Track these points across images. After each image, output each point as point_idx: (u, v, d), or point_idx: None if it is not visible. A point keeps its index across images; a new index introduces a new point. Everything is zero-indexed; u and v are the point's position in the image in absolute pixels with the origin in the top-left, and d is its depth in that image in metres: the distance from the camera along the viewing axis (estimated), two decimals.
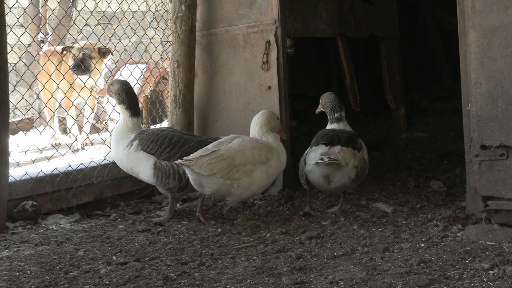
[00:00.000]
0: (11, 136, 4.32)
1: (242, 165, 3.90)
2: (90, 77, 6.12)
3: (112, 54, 6.39)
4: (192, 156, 3.90)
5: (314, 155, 4.13)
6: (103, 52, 6.34)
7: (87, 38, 6.11)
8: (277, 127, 4.21)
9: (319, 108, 4.59)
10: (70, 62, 6.13)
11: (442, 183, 4.83)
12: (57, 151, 5.18)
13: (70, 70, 6.01)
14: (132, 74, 6.25)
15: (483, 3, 3.70)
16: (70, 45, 6.36)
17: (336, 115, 4.45)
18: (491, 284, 2.81)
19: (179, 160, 3.88)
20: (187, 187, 4.21)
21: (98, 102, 6.98)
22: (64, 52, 6.20)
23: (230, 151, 3.92)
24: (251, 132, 4.16)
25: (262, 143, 4.06)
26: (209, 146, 4.00)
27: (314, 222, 4.06)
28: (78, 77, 6.06)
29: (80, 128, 6.56)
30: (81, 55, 6.13)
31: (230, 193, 3.94)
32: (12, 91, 4.24)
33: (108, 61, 6.49)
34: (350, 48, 6.68)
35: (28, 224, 4.11)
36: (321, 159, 4.02)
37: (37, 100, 7.40)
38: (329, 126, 4.46)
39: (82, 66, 6.11)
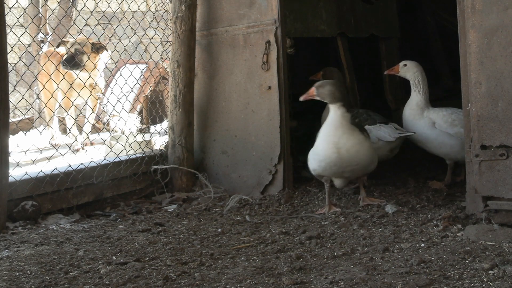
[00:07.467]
0: (11, 136, 4.32)
1: None
2: (86, 72, 6.06)
3: (107, 50, 6.36)
4: None
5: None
6: (97, 48, 6.31)
7: (87, 38, 6.11)
8: None
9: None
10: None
11: (442, 183, 4.83)
12: (57, 151, 5.18)
13: (60, 64, 5.99)
14: (132, 74, 6.25)
15: (483, 3, 3.70)
16: (66, 39, 6.36)
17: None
18: (491, 284, 2.81)
19: None
20: None
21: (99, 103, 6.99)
22: (60, 46, 6.23)
23: None
24: None
25: None
26: None
27: (314, 222, 4.06)
28: (73, 72, 6.06)
29: (80, 128, 6.56)
30: (73, 49, 6.11)
31: None
32: (12, 91, 4.23)
33: (106, 58, 6.47)
34: (350, 48, 6.67)
35: (28, 224, 4.11)
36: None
37: (37, 100, 7.41)
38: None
39: (73, 60, 6.09)
